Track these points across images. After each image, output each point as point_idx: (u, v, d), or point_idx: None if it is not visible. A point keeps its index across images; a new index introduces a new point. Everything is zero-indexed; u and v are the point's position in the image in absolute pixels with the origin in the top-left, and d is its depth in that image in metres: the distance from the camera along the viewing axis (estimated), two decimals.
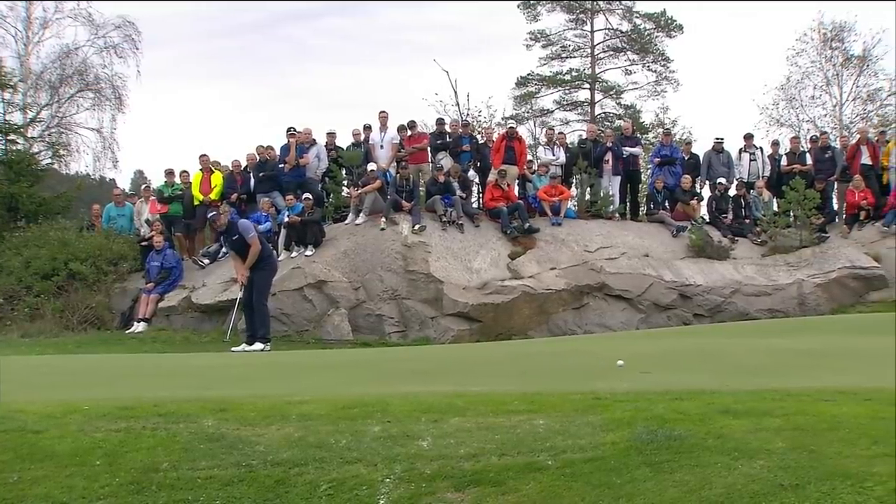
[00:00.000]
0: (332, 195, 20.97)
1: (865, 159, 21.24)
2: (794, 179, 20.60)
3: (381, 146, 21.13)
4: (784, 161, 22.20)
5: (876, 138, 22.36)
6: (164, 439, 4.92)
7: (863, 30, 40.60)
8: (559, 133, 26.11)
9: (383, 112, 21.35)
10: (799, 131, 37.52)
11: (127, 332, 18.68)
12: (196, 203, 21.08)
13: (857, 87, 40.33)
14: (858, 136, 22.78)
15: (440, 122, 23.02)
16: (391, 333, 18.07)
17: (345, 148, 21.56)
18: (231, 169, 21.53)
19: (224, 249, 19.91)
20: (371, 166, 20.07)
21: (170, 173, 21.82)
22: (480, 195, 21.83)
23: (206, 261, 20.19)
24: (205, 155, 21.58)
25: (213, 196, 20.87)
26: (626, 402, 5.29)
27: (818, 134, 25.17)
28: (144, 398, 5.99)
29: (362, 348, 16.37)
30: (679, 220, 21.03)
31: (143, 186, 24.53)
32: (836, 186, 21.96)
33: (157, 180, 29.80)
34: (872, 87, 40.18)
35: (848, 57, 40.09)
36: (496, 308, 18.23)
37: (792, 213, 20.68)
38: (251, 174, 21.11)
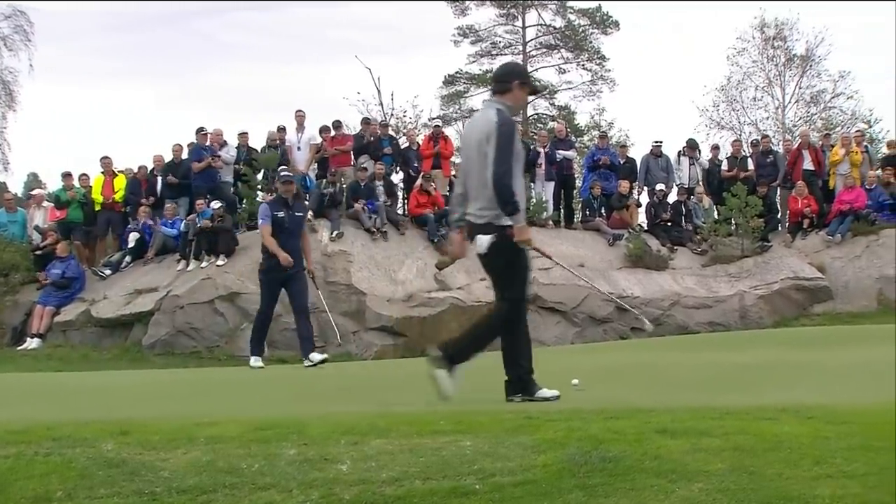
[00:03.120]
0: (245, 200, 20.75)
1: (808, 164, 21.52)
2: (735, 185, 20.91)
3: (299, 147, 21.03)
4: (725, 165, 22.50)
5: (820, 142, 22.70)
6: (59, 465, 4.81)
7: (805, 28, 41.46)
8: None
9: (300, 111, 21.26)
10: (740, 134, 38.29)
11: (19, 348, 18.38)
12: (97, 208, 20.79)
13: (801, 88, 41.28)
14: (800, 139, 23.09)
15: (366, 121, 22.94)
16: None
17: (259, 150, 21.38)
18: (134, 173, 21.27)
19: (128, 258, 19.69)
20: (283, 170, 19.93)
21: (67, 176, 21.47)
22: (405, 201, 21.82)
23: (108, 271, 19.86)
24: (107, 157, 21.30)
25: (116, 199, 20.65)
26: (559, 422, 5.30)
27: (759, 137, 25.58)
28: (37, 421, 5.87)
29: (278, 365, 16.24)
30: (616, 227, 21.22)
31: (36, 191, 24.09)
32: (778, 192, 22.33)
33: (53, 184, 29.36)
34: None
35: (790, 57, 40.98)
36: (422, 322, 18.24)
37: (733, 221, 20.98)
38: (159, 177, 20.86)
